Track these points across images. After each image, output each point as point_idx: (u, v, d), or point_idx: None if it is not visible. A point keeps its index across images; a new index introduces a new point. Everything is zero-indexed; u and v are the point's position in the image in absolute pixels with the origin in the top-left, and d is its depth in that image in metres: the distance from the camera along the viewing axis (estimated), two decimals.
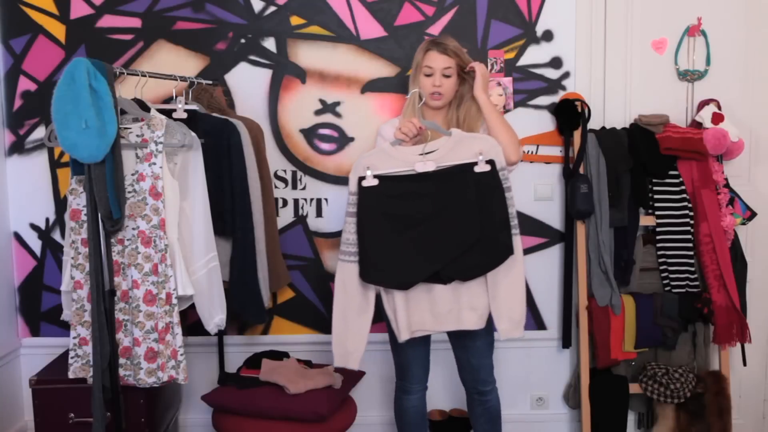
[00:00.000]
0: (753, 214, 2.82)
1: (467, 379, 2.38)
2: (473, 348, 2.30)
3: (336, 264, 2.88)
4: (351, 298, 2.16)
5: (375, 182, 2.10)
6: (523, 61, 2.87)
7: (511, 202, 2.13)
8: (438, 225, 2.09)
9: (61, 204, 2.88)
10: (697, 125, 2.81)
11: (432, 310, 2.15)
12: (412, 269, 2.10)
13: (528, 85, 2.87)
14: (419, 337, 2.27)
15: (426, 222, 2.09)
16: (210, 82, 2.72)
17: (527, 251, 2.88)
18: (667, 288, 2.81)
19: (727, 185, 2.80)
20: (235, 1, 2.83)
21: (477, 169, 2.09)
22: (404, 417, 2.42)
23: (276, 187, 2.89)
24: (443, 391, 2.93)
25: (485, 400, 2.37)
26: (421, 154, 2.11)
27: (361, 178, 2.11)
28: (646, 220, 2.84)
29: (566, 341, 2.91)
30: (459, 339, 2.32)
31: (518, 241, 2.14)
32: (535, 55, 2.87)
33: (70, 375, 2.21)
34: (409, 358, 2.35)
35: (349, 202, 2.13)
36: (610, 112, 2.90)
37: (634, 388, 2.82)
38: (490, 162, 2.09)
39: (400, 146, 2.15)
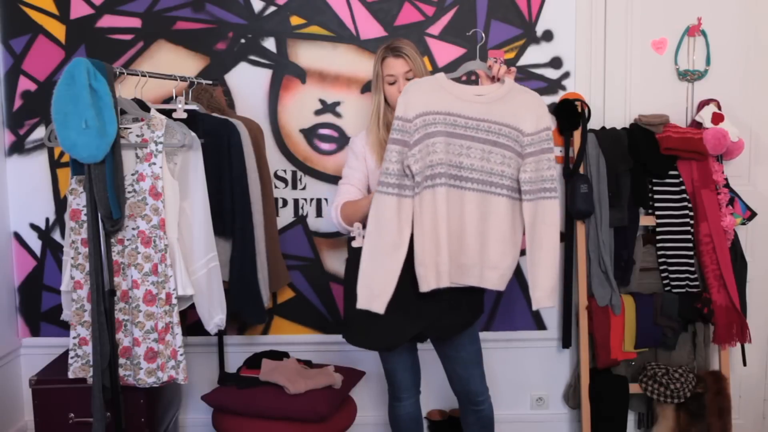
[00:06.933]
0: (753, 214, 2.82)
1: (458, 390, 2.33)
2: (458, 358, 2.26)
3: (336, 264, 2.93)
4: (384, 233, 1.98)
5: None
6: (523, 61, 2.87)
7: (553, 164, 2.07)
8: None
9: (61, 204, 2.88)
10: (697, 125, 2.81)
11: (459, 260, 2.03)
12: (397, 331, 2.10)
13: (528, 85, 2.85)
14: (404, 344, 2.25)
15: (411, 283, 2.02)
16: (210, 82, 2.72)
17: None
18: (667, 288, 2.81)
19: (727, 185, 2.80)
20: (235, 1, 2.83)
21: None
22: (398, 424, 2.39)
23: (276, 187, 2.89)
24: (442, 391, 2.92)
25: (478, 410, 2.33)
26: (475, 95, 2.05)
27: (351, 238, 2.10)
28: (646, 220, 2.84)
29: (566, 341, 2.91)
30: (444, 349, 2.29)
31: (556, 205, 2.06)
32: (535, 55, 2.87)
33: (70, 375, 2.22)
34: (395, 365, 2.31)
35: (395, 128, 2.01)
36: (610, 112, 2.90)
37: (634, 388, 2.82)
38: None
39: (454, 82, 2.08)
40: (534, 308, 2.08)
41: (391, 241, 1.98)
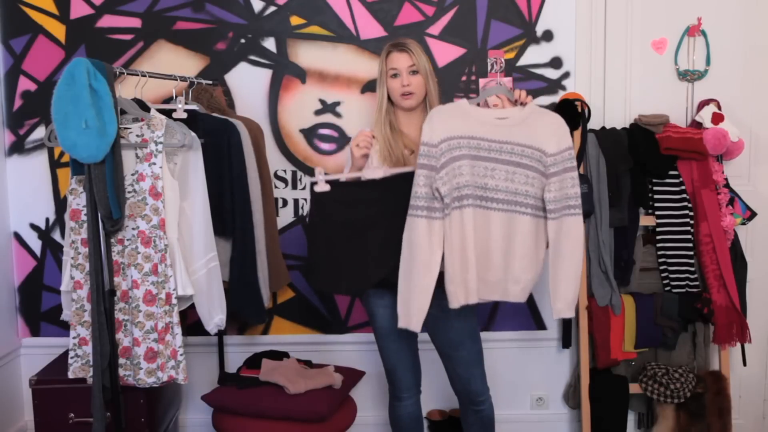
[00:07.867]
0: (753, 214, 2.82)
1: (459, 390, 2.33)
2: (459, 358, 2.27)
3: None
4: (416, 253, 2.05)
5: (327, 188, 2.12)
6: (523, 61, 2.87)
7: (576, 182, 2.10)
8: (384, 231, 2.12)
9: (61, 204, 2.88)
10: (697, 125, 2.81)
11: (484, 277, 2.11)
12: (361, 275, 2.15)
13: (528, 85, 2.87)
14: (403, 342, 2.28)
15: (374, 228, 2.12)
16: (210, 82, 2.72)
17: None
18: (667, 288, 2.81)
19: (727, 185, 2.80)
20: (235, 1, 2.83)
21: None
22: (398, 423, 2.39)
23: (276, 187, 2.89)
24: (442, 391, 2.92)
25: (479, 410, 2.33)
26: (498, 118, 2.11)
27: (314, 183, 2.14)
28: (646, 220, 2.84)
29: (566, 341, 2.91)
30: (445, 349, 2.29)
31: (580, 221, 2.10)
32: (535, 55, 2.87)
33: (70, 375, 2.22)
34: (394, 364, 2.32)
35: (422, 153, 2.06)
36: (610, 112, 2.90)
37: (634, 388, 2.82)
38: None
39: (477, 107, 2.15)
40: (555, 318, 2.16)
41: (422, 261, 2.05)
